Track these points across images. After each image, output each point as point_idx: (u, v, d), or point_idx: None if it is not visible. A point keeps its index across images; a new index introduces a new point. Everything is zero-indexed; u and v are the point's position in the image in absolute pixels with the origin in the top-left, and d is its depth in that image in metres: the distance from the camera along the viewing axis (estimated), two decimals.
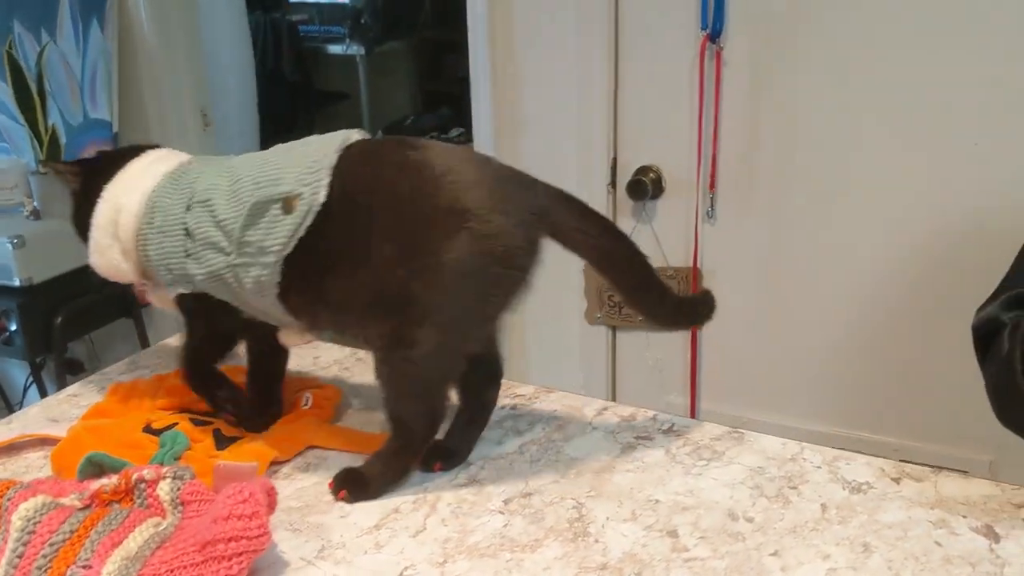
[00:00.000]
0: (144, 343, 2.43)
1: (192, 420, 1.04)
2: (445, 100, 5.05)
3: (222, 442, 1.00)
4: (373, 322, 0.90)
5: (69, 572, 0.76)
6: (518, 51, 2.01)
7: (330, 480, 0.93)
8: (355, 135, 0.95)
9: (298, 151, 0.94)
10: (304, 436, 1.02)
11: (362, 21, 4.84)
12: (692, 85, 1.82)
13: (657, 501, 0.89)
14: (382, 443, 0.95)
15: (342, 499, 0.92)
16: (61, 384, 2.19)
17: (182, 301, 0.98)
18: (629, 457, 0.97)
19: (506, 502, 0.90)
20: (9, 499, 0.81)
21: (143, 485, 0.86)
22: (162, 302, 1.01)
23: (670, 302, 1.00)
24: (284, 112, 4.50)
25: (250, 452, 0.97)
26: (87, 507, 0.83)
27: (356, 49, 4.89)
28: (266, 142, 3.08)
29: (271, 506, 0.82)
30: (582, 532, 0.85)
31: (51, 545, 0.78)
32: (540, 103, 2.01)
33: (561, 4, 1.91)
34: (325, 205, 0.88)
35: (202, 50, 2.51)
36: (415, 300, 0.86)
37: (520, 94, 2.03)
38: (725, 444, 0.99)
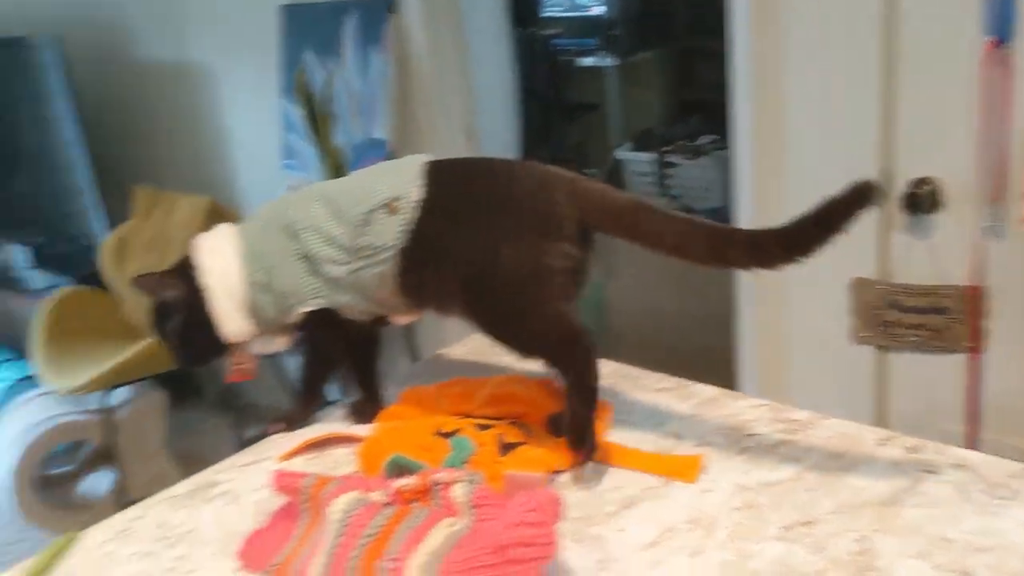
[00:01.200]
0: (414, 355, 2.59)
1: (476, 425, 1.10)
2: (695, 108, 5.01)
3: (504, 449, 1.06)
4: (467, 295, 1.06)
5: (379, 565, 0.84)
6: (782, 60, 1.97)
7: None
8: (424, 157, 1.11)
9: (381, 170, 1.12)
10: None
11: (614, 32, 4.89)
12: (975, 92, 1.71)
13: (949, 540, 0.85)
14: (653, 460, 1.00)
15: (580, 461, 1.01)
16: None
17: (304, 322, 1.13)
18: (915, 491, 0.94)
19: (785, 529, 0.89)
20: (328, 492, 0.90)
21: (439, 487, 0.92)
22: (268, 346, 1.18)
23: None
24: (539, 125, 4.63)
25: (533, 459, 1.02)
26: (390, 504, 0.91)
27: (607, 60, 4.96)
28: (525, 155, 3.21)
29: (558, 515, 0.86)
30: (867, 566, 0.83)
31: (364, 538, 0.86)
32: (804, 113, 1.96)
33: (829, 11, 1.86)
34: (423, 202, 1.05)
35: (470, 69, 2.64)
36: (498, 275, 1.03)
37: (783, 104, 1.99)
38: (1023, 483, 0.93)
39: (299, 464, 1.11)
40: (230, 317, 1.12)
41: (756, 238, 0.96)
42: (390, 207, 1.06)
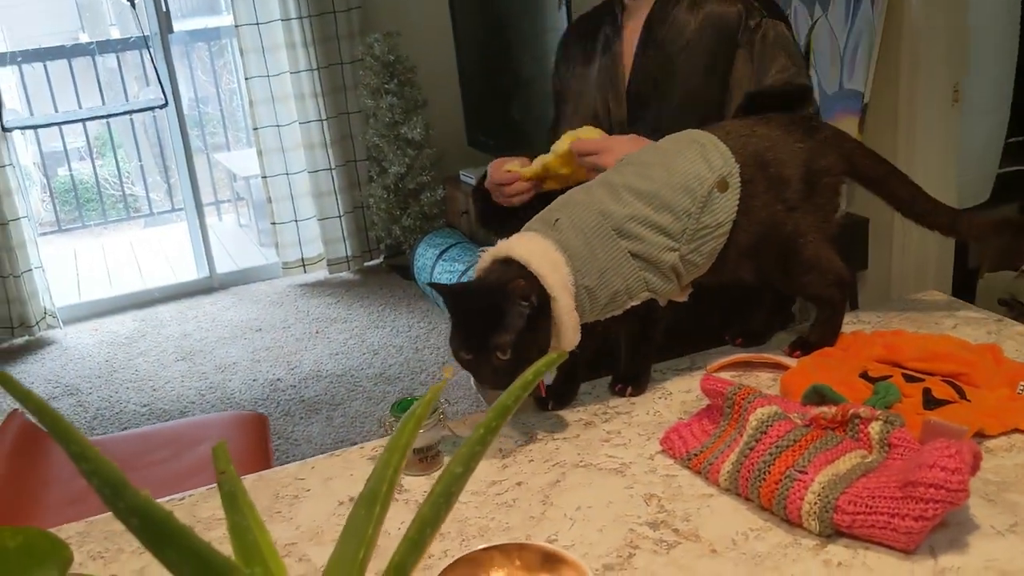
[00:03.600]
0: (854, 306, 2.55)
1: (904, 376, 1.11)
2: None
3: (931, 403, 1.06)
4: (760, 253, 1.20)
5: (788, 473, 0.91)
6: None
7: None
8: (699, 134, 1.21)
9: (679, 153, 1.18)
10: (1014, 418, 1.02)
11: None
12: None
13: None
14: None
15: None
16: None
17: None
18: None
19: None
20: (749, 402, 0.99)
21: (857, 420, 0.97)
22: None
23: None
24: None
25: (958, 417, 1.01)
26: (807, 426, 0.97)
27: None
28: (1013, 124, 2.93)
29: (974, 468, 0.86)
30: None
31: (776, 447, 0.93)
32: None
33: None
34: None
35: (966, 25, 2.47)
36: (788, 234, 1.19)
37: None
38: None
39: (727, 375, 1.21)
40: (575, 327, 1.08)
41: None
42: (721, 185, 1.15)
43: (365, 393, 3.36)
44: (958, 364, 1.11)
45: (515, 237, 1.13)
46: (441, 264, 3.89)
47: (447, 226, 4.34)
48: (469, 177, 4.29)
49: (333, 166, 4.34)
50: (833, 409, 0.98)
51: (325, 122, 4.26)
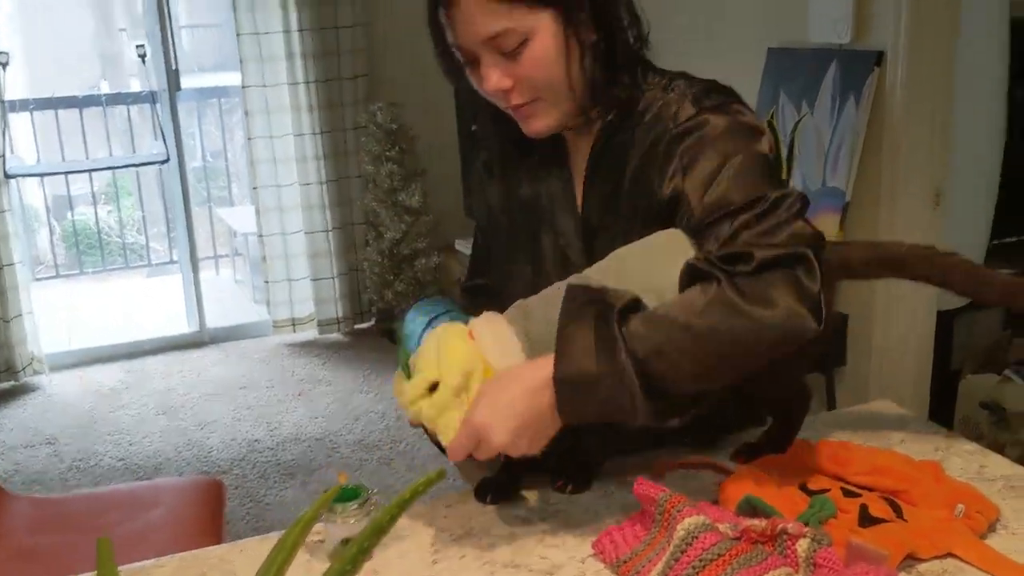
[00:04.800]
0: (831, 404, 2.55)
1: (844, 490, 1.11)
2: None
3: (866, 520, 1.05)
4: None
5: None
6: None
7: None
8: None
9: (657, 254, 1.10)
10: (948, 541, 1.02)
11: None
12: None
13: None
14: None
15: None
16: None
17: None
18: None
19: None
20: (679, 510, 0.99)
21: (785, 536, 0.96)
22: None
23: None
24: (1017, 196, 4.20)
25: (892, 537, 1.01)
26: (736, 539, 0.97)
27: None
28: (997, 226, 2.94)
29: None
30: None
31: (701, 560, 0.93)
32: None
33: None
34: None
35: (950, 131, 2.51)
36: None
37: None
38: None
39: (670, 479, 1.20)
40: None
41: None
42: None
43: (343, 460, 3.34)
44: (899, 480, 1.11)
45: (485, 315, 1.14)
46: (430, 332, 3.89)
47: (440, 293, 4.35)
48: (465, 246, 4.32)
49: (330, 228, 4.37)
50: (763, 523, 0.98)
51: (325, 185, 4.31)
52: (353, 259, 4.45)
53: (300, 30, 4.09)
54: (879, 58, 2.45)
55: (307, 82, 4.16)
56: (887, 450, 1.20)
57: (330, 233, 4.38)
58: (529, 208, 1.28)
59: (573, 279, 1.10)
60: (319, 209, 4.34)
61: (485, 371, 1.07)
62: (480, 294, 1.37)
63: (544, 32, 1.11)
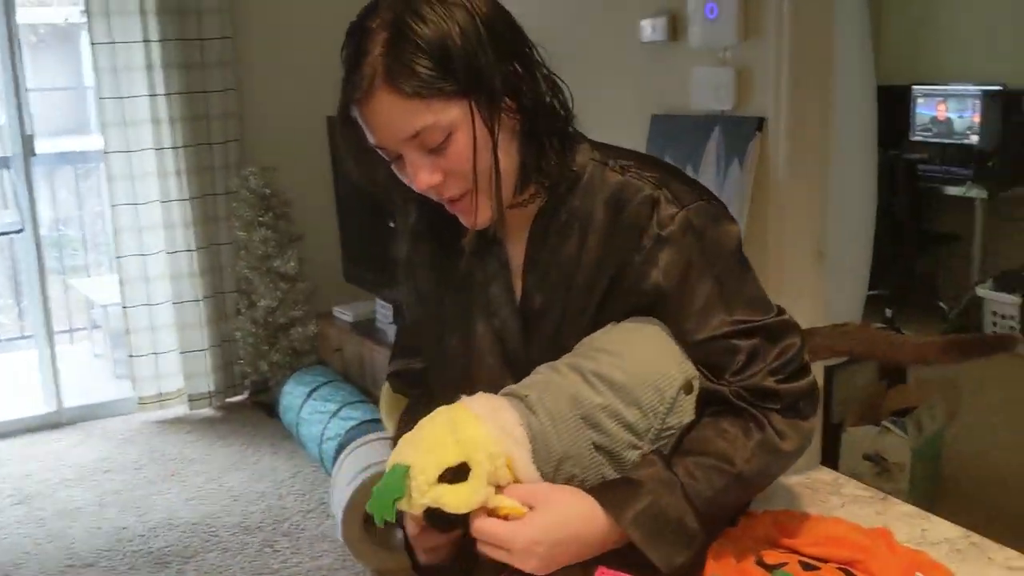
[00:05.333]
0: None
1: (801, 563, 1.08)
2: None
3: None
4: None
5: None
6: None
7: None
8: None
9: (650, 346, 1.08)
10: None
11: (990, 164, 4.59)
12: None
13: None
14: None
15: None
16: None
17: None
18: None
19: None
20: None
21: None
22: None
23: None
24: (889, 251, 4.44)
25: None
26: None
27: (977, 192, 4.66)
28: (874, 279, 3.08)
29: None
30: None
31: None
32: None
33: None
34: None
35: (829, 192, 2.60)
36: None
37: None
38: None
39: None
40: None
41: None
42: (686, 387, 1.08)
43: (221, 544, 3.14)
44: (853, 550, 1.09)
45: (482, 399, 1.06)
46: (311, 403, 3.74)
47: (319, 363, 4.21)
48: (344, 313, 4.20)
49: (200, 297, 4.18)
50: None
51: (194, 252, 4.12)
52: (225, 329, 4.25)
53: (167, 94, 3.93)
54: (760, 124, 2.53)
55: (175, 147, 4.00)
56: (834, 518, 1.18)
57: (200, 303, 4.18)
58: (461, 289, 1.22)
59: (561, 366, 1.08)
60: (188, 278, 4.14)
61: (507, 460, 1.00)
62: (412, 379, 1.30)
63: (465, 122, 1.06)
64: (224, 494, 3.50)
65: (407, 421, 1.20)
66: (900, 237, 4.63)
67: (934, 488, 3.09)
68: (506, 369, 1.18)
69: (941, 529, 1.20)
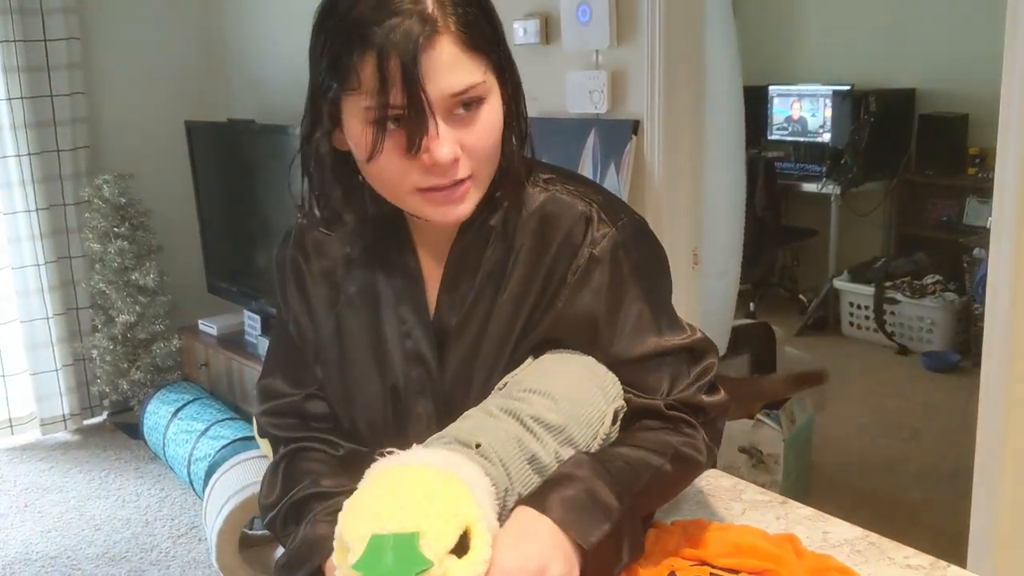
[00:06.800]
0: None
1: (712, 575, 1.07)
2: (922, 245, 4.82)
3: None
4: None
5: None
6: None
7: None
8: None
9: (577, 377, 1.04)
10: None
11: (842, 161, 4.80)
12: None
13: None
14: None
15: None
16: None
17: None
18: None
19: None
20: None
21: None
22: None
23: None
24: (752, 247, 4.59)
25: None
26: None
27: (831, 188, 4.87)
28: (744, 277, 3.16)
29: None
30: None
31: None
32: None
33: None
34: None
35: (702, 193, 2.65)
36: None
37: None
38: None
39: None
40: None
41: None
42: (613, 418, 1.05)
43: None
44: (763, 558, 1.08)
45: (438, 453, 0.95)
46: (177, 423, 3.56)
47: (184, 379, 4.01)
48: (209, 326, 4.02)
49: (50, 315, 3.92)
50: None
51: (43, 267, 3.87)
52: (79, 348, 4.01)
53: (8, 99, 3.67)
54: (636, 126, 2.55)
55: (18, 155, 3.73)
56: (741, 526, 1.18)
57: (50, 320, 3.93)
58: (362, 306, 1.12)
59: (494, 409, 1.01)
60: (36, 294, 3.88)
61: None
62: (291, 414, 1.16)
63: (495, 95, 0.99)
64: (85, 524, 3.29)
65: (317, 472, 1.11)
66: (761, 233, 4.79)
67: (807, 475, 3.19)
68: (429, 401, 1.10)
69: (841, 530, 1.21)
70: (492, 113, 0.98)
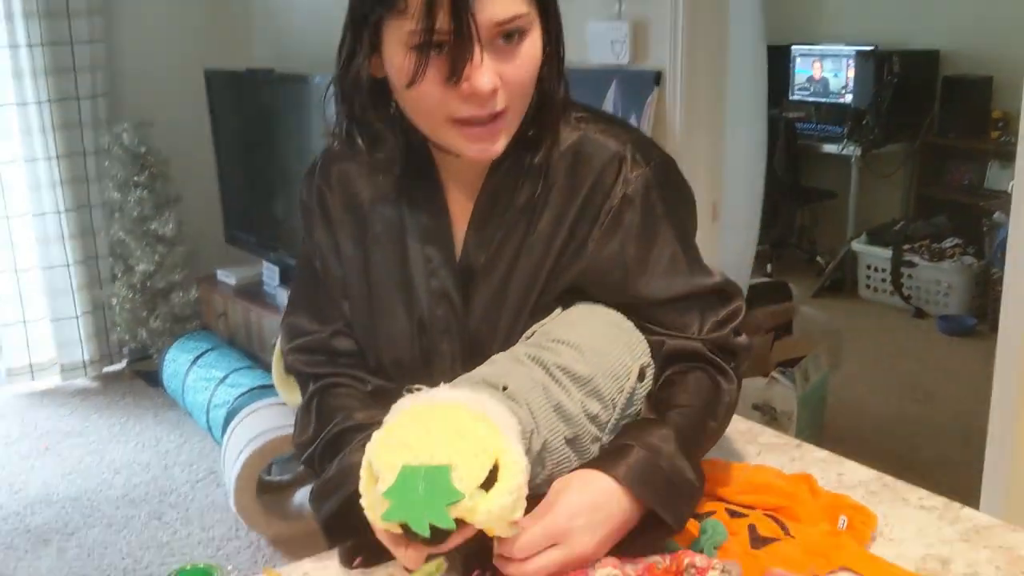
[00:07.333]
0: None
1: (728, 510, 1.08)
2: (942, 208, 4.79)
3: (757, 541, 1.03)
4: None
5: None
6: None
7: None
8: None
9: (608, 335, 1.05)
10: (840, 556, 1.01)
11: (864, 122, 4.76)
12: None
13: None
14: None
15: None
16: None
17: None
18: None
19: None
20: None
21: (693, 570, 0.91)
22: None
23: None
24: (770, 207, 4.57)
25: (788, 556, 0.99)
26: None
27: (852, 150, 4.83)
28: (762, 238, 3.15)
29: None
30: None
31: None
32: None
33: None
34: None
35: (723, 147, 2.64)
36: None
37: None
38: None
39: None
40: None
41: None
42: (640, 375, 1.06)
43: (105, 519, 3.00)
44: (778, 496, 1.10)
45: (465, 392, 0.95)
46: (196, 370, 3.60)
47: (202, 329, 4.05)
48: (227, 276, 4.05)
49: (71, 263, 3.95)
50: (667, 559, 0.93)
51: (63, 214, 3.89)
52: (99, 296, 4.04)
53: (29, 45, 3.67)
54: (658, 78, 2.53)
55: (39, 102, 3.74)
56: (757, 465, 1.19)
57: (71, 267, 3.96)
58: (389, 242, 1.12)
59: (521, 355, 1.02)
60: (57, 242, 3.91)
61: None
62: (317, 350, 1.17)
63: (536, 29, 0.99)
64: (105, 467, 3.34)
65: (349, 407, 1.12)
66: (780, 194, 4.77)
67: (820, 434, 3.20)
68: (454, 340, 1.10)
69: (855, 472, 1.22)
70: (532, 47, 0.98)
